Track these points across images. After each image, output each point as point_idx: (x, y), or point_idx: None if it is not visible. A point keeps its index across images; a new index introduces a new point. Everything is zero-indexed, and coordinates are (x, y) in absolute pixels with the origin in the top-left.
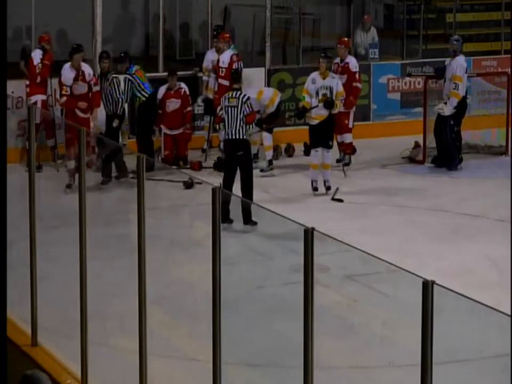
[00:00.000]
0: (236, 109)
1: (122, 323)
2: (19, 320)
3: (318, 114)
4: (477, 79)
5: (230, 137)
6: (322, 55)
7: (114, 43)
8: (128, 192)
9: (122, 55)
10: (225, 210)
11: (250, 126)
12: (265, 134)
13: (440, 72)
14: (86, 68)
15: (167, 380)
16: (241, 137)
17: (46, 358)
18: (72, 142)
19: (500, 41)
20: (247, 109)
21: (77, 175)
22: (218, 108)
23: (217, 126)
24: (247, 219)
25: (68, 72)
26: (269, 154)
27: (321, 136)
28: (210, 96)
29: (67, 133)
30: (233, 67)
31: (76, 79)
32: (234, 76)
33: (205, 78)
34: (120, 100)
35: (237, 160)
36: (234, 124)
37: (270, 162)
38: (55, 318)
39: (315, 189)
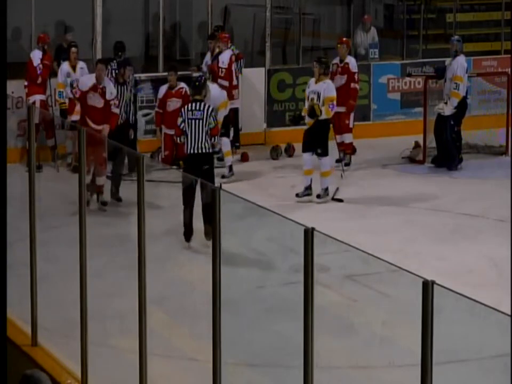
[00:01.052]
0: (200, 122)
1: (122, 323)
2: (19, 320)
3: (308, 119)
4: (477, 79)
5: (195, 151)
6: (316, 60)
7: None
8: (128, 192)
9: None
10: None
11: (214, 138)
12: (224, 140)
13: (440, 72)
14: (109, 86)
15: (167, 380)
16: (207, 151)
17: (46, 358)
18: (99, 159)
19: (500, 41)
20: (212, 121)
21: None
22: (179, 120)
23: (177, 139)
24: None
25: (86, 78)
26: (229, 160)
27: (309, 141)
28: None
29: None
30: (232, 68)
31: (93, 89)
32: (197, 85)
33: None
34: (133, 107)
35: (201, 175)
36: (200, 137)
37: (230, 168)
38: (55, 318)
39: (296, 194)
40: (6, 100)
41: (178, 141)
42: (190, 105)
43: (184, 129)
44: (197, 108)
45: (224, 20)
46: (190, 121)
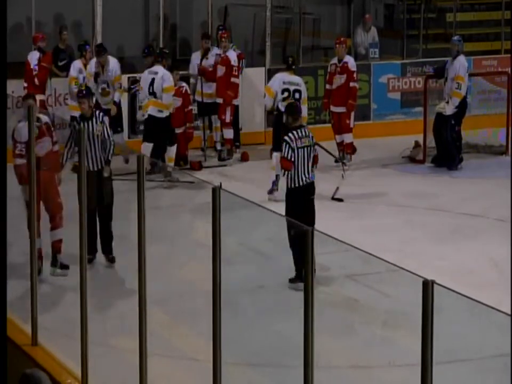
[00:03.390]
0: (309, 149)
1: (122, 323)
2: (19, 320)
3: None
4: (477, 78)
5: (305, 182)
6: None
7: (114, 43)
8: (129, 192)
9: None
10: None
11: (315, 166)
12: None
13: (440, 72)
14: (45, 119)
15: (167, 379)
16: (313, 179)
17: (46, 358)
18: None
19: (500, 41)
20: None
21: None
22: (288, 152)
23: (284, 173)
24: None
25: (22, 128)
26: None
27: None
28: (199, 98)
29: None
30: (240, 65)
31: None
32: (294, 110)
33: (192, 80)
34: (111, 141)
35: (307, 206)
36: (309, 165)
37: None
38: (55, 318)
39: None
40: (6, 100)
41: (284, 175)
42: (294, 133)
43: (292, 160)
44: (303, 134)
45: (224, 20)
46: (299, 150)
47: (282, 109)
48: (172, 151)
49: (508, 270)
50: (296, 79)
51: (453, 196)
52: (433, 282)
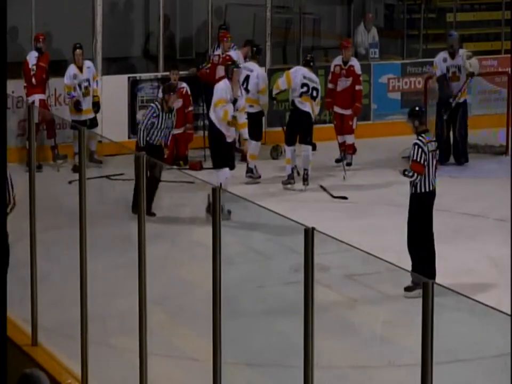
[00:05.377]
0: (435, 154)
1: (123, 323)
2: (19, 320)
3: None
4: (477, 78)
5: (434, 186)
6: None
7: (114, 43)
8: (129, 192)
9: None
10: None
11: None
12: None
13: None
14: None
15: (167, 379)
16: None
17: (46, 358)
18: None
19: (500, 41)
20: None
21: None
22: (421, 157)
23: (416, 177)
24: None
25: None
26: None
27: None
28: None
29: None
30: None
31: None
32: (421, 114)
33: None
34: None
35: (431, 211)
36: (435, 170)
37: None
38: (55, 318)
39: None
40: (6, 100)
41: (416, 179)
42: (423, 138)
43: (426, 163)
44: (430, 138)
45: (224, 20)
46: (429, 154)
47: (299, 105)
48: (253, 147)
49: (508, 270)
50: (314, 77)
51: (453, 195)
52: (433, 282)
